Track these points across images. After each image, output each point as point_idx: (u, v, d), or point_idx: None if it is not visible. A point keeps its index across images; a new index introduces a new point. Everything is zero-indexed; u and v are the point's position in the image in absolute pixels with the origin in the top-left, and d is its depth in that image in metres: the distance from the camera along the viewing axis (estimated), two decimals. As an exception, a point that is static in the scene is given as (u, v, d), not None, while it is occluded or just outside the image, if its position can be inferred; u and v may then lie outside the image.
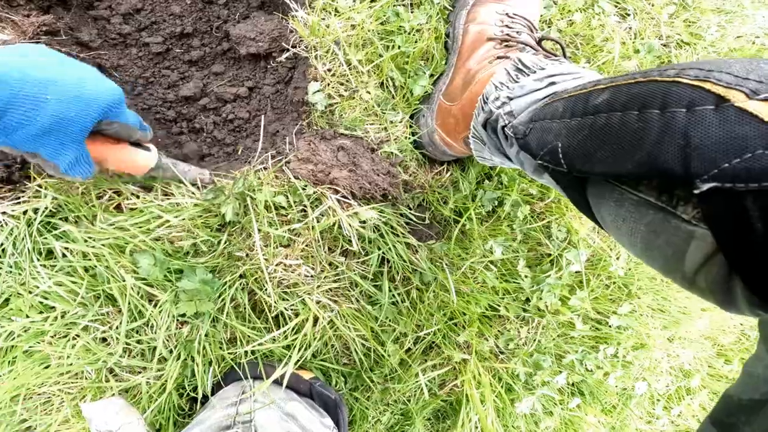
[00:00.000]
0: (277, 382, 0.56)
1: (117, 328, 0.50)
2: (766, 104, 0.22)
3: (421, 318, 0.60)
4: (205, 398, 0.58)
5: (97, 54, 0.56)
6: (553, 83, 0.44)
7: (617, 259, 0.62)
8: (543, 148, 0.39)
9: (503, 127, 0.46)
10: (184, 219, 0.50)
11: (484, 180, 0.61)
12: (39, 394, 0.51)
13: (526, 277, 0.60)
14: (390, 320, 0.59)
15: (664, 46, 0.63)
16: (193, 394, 0.57)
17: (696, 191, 0.23)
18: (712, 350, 0.76)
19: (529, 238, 0.61)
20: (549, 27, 0.61)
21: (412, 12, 0.59)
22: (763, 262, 0.22)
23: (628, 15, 0.62)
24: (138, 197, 0.50)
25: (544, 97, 0.43)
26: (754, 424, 0.26)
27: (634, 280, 0.64)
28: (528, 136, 0.42)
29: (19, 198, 0.47)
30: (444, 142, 0.58)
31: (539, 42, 0.50)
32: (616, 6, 0.62)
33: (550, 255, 0.61)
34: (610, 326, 0.64)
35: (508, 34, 0.53)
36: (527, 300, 0.63)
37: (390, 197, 0.58)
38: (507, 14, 0.55)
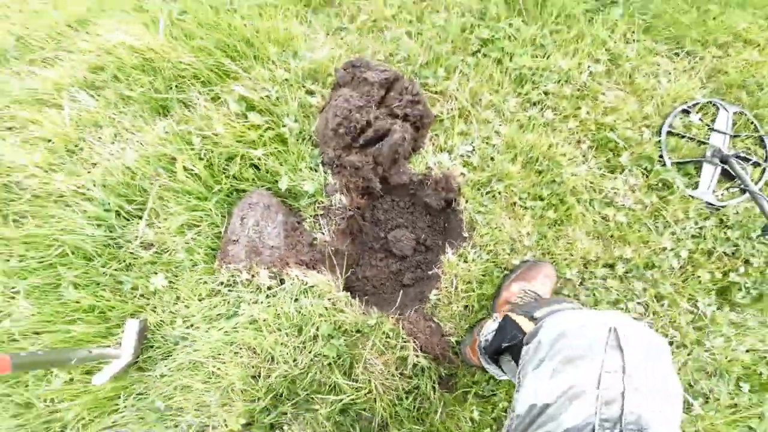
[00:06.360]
0: None
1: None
2: (523, 318, 0.68)
3: None
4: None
5: (374, 218, 1.21)
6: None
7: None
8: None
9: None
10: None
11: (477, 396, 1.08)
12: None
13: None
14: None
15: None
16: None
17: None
18: None
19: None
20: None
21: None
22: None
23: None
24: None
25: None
26: None
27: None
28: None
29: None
30: (468, 355, 1.06)
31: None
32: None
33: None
34: None
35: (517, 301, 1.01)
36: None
37: (439, 356, 1.09)
38: (524, 290, 1.04)
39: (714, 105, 1.44)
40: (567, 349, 0.53)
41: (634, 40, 1.61)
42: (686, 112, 1.43)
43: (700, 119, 1.42)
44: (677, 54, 1.61)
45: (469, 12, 1.55)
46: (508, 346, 0.70)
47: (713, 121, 1.42)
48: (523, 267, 1.10)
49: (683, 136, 1.38)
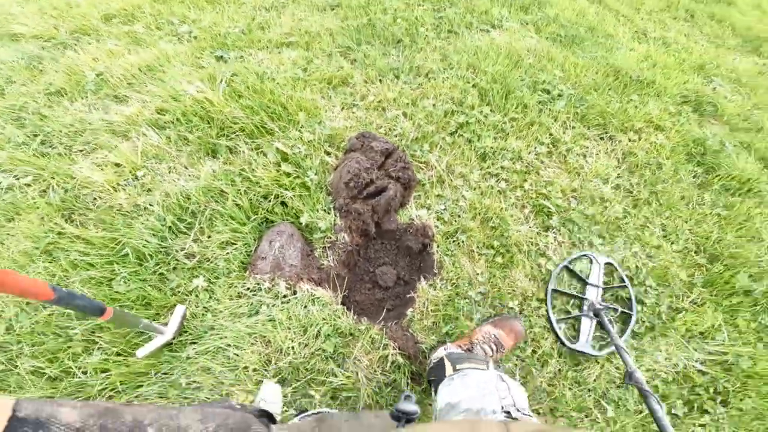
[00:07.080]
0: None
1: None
2: (450, 365, 1.06)
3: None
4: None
5: (366, 256, 1.58)
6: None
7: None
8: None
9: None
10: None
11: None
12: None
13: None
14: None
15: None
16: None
17: None
18: None
19: None
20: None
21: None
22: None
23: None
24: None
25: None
26: None
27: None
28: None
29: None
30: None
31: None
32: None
33: None
34: None
35: (475, 340, 1.38)
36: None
37: (411, 357, 1.43)
38: (489, 333, 1.42)
39: (588, 258, 1.61)
40: (472, 382, 0.95)
41: (571, 127, 2.16)
42: (567, 268, 1.59)
43: (578, 275, 1.58)
44: (602, 138, 2.16)
45: (451, 100, 2.05)
46: (433, 378, 1.14)
47: (588, 275, 1.57)
48: (499, 316, 1.47)
49: (565, 293, 1.55)
